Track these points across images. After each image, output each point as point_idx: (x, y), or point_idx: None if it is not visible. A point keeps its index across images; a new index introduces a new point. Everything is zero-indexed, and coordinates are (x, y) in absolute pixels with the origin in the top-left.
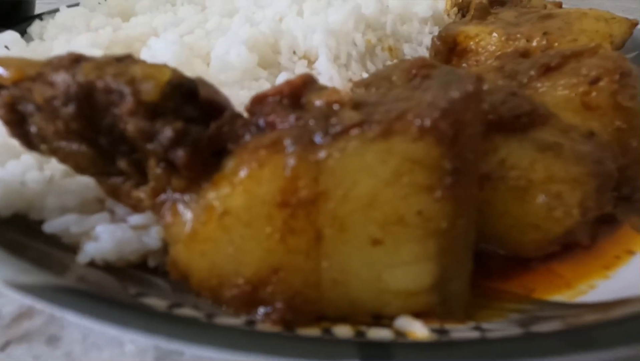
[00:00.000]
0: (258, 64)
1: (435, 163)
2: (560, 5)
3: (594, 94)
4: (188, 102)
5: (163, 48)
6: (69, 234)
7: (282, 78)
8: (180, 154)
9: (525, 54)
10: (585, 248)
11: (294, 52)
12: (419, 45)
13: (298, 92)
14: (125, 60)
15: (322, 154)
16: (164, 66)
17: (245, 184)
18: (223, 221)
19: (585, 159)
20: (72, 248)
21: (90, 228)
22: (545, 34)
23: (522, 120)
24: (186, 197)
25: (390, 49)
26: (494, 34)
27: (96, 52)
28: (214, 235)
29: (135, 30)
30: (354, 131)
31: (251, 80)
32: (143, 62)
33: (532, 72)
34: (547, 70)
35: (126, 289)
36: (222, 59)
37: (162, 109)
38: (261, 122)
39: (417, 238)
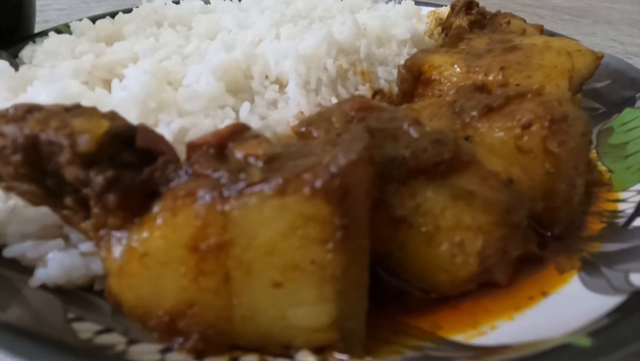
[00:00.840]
0: (228, 90)
1: (327, 219)
2: (541, 29)
3: (526, 138)
4: (127, 149)
5: (134, 78)
6: (25, 258)
7: (245, 108)
8: (111, 199)
9: (482, 87)
10: (503, 287)
11: (266, 77)
12: (395, 67)
13: (224, 143)
14: (73, 111)
15: (228, 206)
16: (102, 118)
17: (162, 229)
18: (144, 261)
19: (495, 208)
20: (30, 270)
21: (45, 253)
22: (502, 68)
23: (440, 168)
24: (120, 234)
25: (362, 73)
26: (456, 66)
27: (74, 82)
28: (137, 272)
29: (117, 55)
30: (255, 188)
31: (216, 108)
32: (86, 114)
33: (474, 113)
34: (488, 111)
35: (65, 315)
36: (190, 87)
37: (98, 157)
38: (189, 170)
39: (314, 283)
